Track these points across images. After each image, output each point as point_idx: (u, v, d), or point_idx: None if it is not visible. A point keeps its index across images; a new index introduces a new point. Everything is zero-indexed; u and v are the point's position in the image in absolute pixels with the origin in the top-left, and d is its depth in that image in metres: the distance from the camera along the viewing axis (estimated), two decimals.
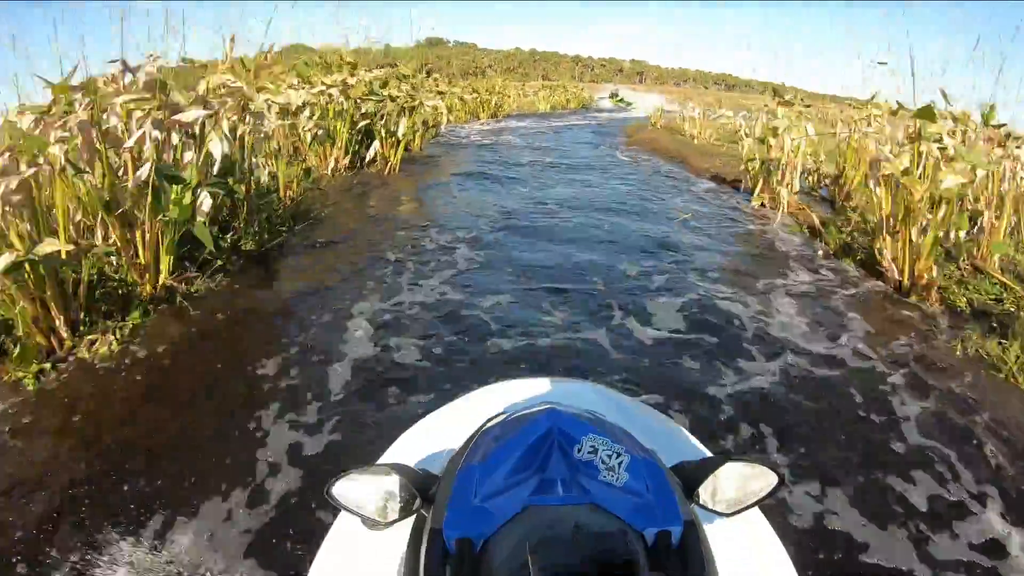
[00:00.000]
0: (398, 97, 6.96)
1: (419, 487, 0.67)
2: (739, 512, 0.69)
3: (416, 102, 7.35)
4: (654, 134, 11.88)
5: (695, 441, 0.96)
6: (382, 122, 6.81)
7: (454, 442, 0.77)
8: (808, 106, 6.26)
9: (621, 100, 30.47)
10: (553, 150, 10.21)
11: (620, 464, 0.60)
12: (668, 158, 9.14)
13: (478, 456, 0.65)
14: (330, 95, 6.07)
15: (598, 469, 0.59)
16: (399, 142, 6.87)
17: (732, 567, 0.68)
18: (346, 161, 6.43)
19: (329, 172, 6.22)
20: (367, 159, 6.74)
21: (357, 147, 6.64)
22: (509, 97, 20.10)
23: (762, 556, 0.75)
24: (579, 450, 0.61)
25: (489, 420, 0.77)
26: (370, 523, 0.67)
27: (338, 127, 6.25)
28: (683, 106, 15.41)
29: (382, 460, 1.00)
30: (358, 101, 6.46)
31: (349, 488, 0.67)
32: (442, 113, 9.10)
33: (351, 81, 6.43)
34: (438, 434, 0.96)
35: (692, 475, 0.67)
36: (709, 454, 0.90)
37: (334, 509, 0.68)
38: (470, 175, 7.17)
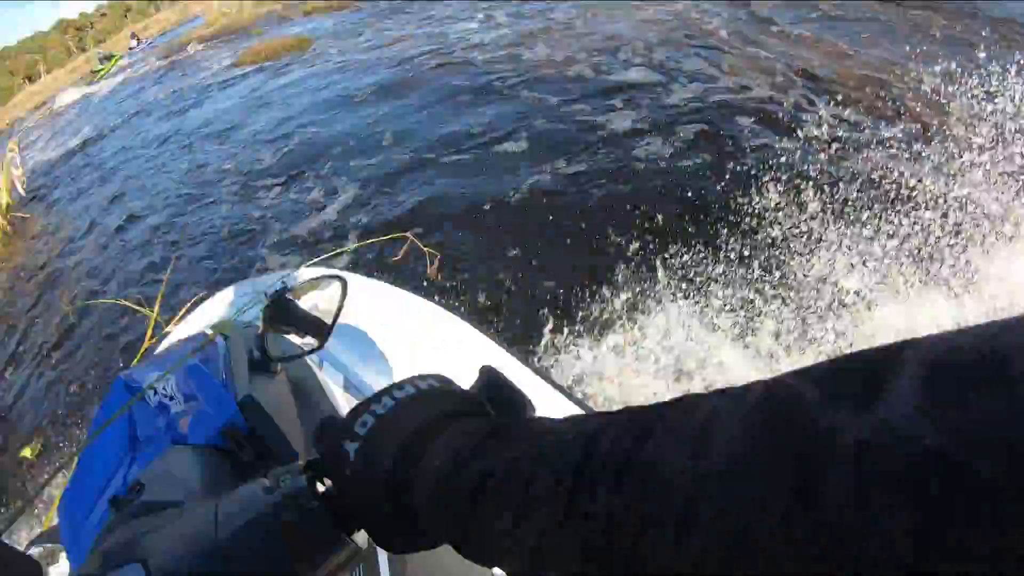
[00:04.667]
0: None
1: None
2: (326, 338, 0.70)
3: None
4: None
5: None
6: None
7: None
8: None
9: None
10: None
11: (174, 387, 0.60)
12: None
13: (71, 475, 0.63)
14: None
15: (168, 406, 0.60)
16: None
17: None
18: None
19: None
20: None
21: None
22: None
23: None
24: (150, 401, 0.61)
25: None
26: None
27: None
28: None
29: None
30: None
31: None
32: None
33: None
34: None
35: (253, 331, 0.70)
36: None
37: None
38: None
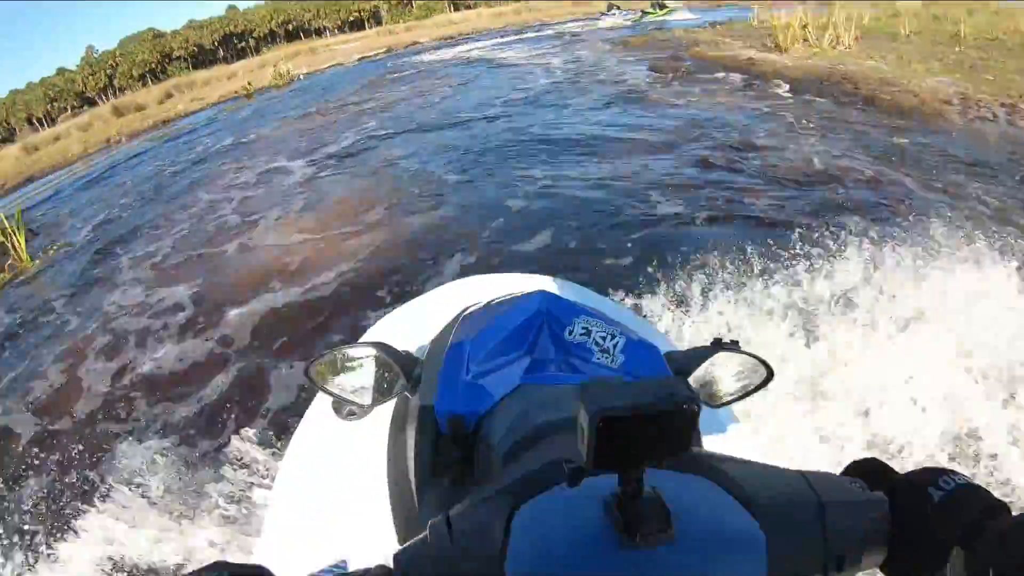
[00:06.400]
0: None
1: (403, 367, 0.62)
2: (725, 404, 0.68)
3: None
4: None
5: (670, 340, 0.93)
6: None
7: (433, 329, 0.75)
8: None
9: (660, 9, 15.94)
10: None
11: (615, 346, 0.59)
12: None
13: (467, 333, 0.62)
14: None
15: (592, 351, 0.58)
16: None
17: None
18: None
19: None
20: None
21: None
22: None
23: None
24: (570, 332, 0.60)
25: (468, 307, 0.75)
26: (350, 407, 0.65)
27: None
28: None
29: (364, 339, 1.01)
30: None
31: (330, 368, 0.64)
32: None
33: None
34: (417, 320, 0.95)
35: (682, 363, 0.65)
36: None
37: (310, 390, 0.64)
38: None
